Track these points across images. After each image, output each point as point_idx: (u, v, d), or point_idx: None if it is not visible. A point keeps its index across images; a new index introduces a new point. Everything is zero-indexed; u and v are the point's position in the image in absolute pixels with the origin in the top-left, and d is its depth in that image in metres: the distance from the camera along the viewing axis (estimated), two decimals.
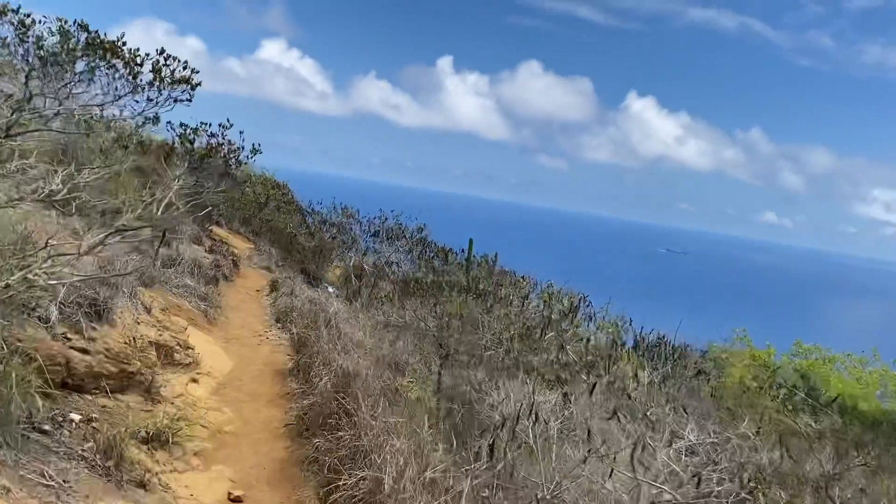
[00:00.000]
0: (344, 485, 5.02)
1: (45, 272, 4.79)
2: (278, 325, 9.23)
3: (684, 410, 6.36)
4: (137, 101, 12.20)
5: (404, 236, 15.54)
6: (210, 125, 17.51)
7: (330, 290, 16.74)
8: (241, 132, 18.84)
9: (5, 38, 11.44)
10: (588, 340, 8.98)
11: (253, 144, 18.57)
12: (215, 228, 23.26)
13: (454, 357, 7.73)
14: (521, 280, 13.21)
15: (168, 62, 12.25)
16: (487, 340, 8.20)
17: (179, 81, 12.46)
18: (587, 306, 11.72)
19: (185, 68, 12.49)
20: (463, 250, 16.49)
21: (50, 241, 5.10)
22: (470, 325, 8.40)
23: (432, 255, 15.10)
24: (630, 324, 11.75)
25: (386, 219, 16.12)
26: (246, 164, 20.12)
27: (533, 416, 5.41)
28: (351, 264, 15.80)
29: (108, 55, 11.59)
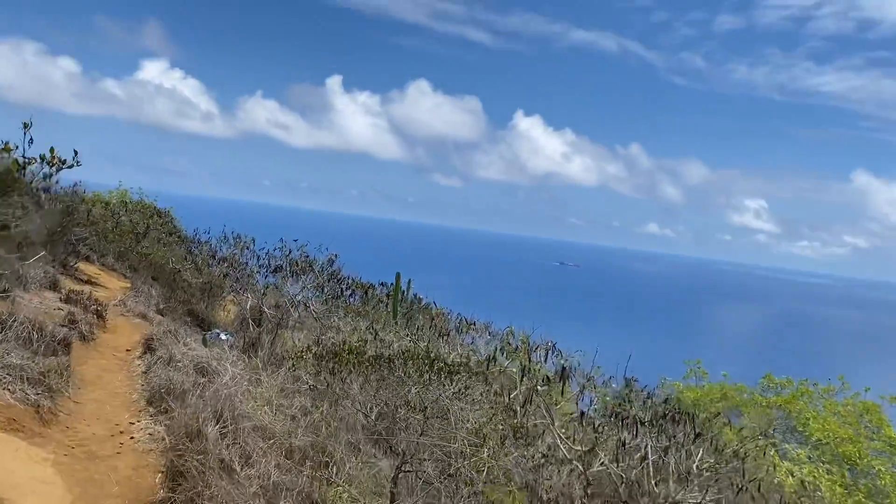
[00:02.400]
0: None
1: None
2: (151, 409, 6.68)
3: None
4: None
5: (312, 270, 13.13)
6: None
7: (223, 337, 14.05)
8: (75, 151, 16.22)
9: None
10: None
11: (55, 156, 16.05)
12: (84, 266, 19.86)
13: (413, 465, 5.53)
14: (470, 325, 11.10)
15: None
16: (460, 442, 6.03)
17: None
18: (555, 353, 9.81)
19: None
20: (383, 284, 14.27)
21: None
22: (434, 416, 6.19)
23: (348, 291, 12.79)
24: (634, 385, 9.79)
25: (289, 250, 13.63)
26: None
27: None
28: (248, 306, 13.19)
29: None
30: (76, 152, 15.69)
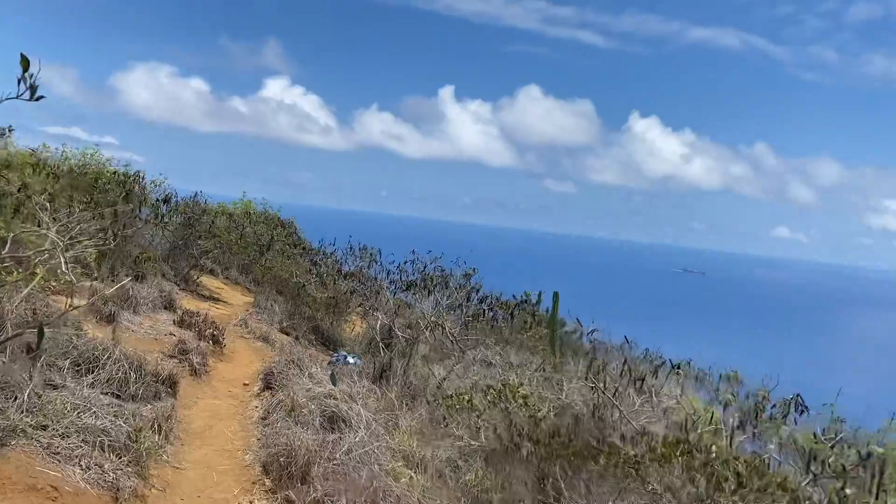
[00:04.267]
0: None
1: None
2: (267, 480, 5.04)
3: None
4: None
5: (447, 285, 11.38)
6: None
7: (350, 360, 12.55)
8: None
9: None
10: None
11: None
12: (207, 280, 19.17)
13: None
14: (676, 369, 8.71)
15: None
16: None
17: None
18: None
19: None
20: (526, 300, 12.26)
21: None
22: None
23: (491, 311, 10.93)
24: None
25: (424, 265, 11.95)
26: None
27: None
28: (377, 326, 11.60)
29: None
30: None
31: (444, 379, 9.07)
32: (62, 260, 5.84)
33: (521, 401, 6.51)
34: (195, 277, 17.75)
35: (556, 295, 11.22)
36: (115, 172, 14.59)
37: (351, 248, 16.30)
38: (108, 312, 8.34)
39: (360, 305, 15.83)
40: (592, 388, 6.77)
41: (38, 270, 6.16)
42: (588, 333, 10.48)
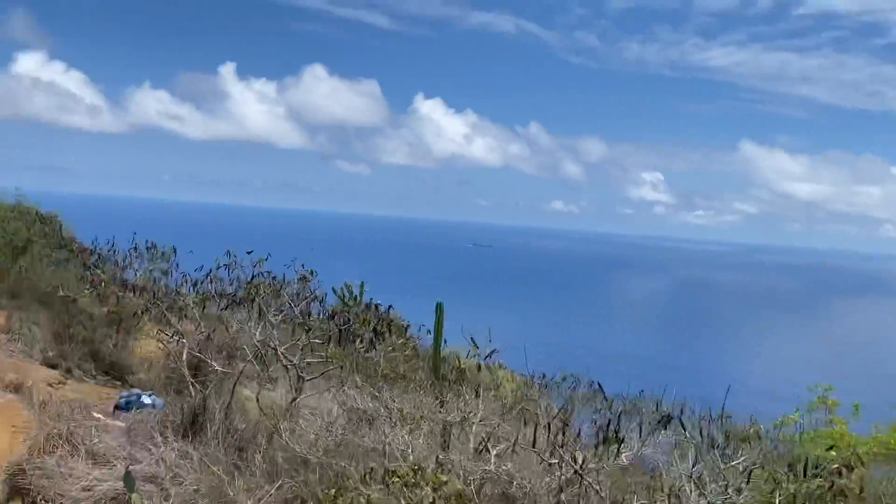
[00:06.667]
0: None
1: None
2: None
3: None
4: None
5: (278, 295, 9.00)
6: None
7: (146, 401, 9.72)
8: None
9: None
10: None
11: None
12: None
13: None
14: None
15: None
16: None
17: None
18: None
19: None
20: (352, 296, 10.14)
21: None
22: None
23: (347, 328, 8.72)
24: None
25: (236, 265, 9.41)
26: None
27: None
28: (182, 355, 8.93)
29: None
30: None
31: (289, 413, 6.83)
32: None
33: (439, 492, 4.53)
34: None
35: (439, 307, 9.28)
36: None
37: (136, 247, 13.07)
38: None
39: (156, 322, 12.80)
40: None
41: None
42: (486, 357, 8.63)
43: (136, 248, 12.98)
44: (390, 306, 13.92)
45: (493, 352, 8.64)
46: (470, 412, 6.02)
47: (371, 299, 15.53)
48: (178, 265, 13.07)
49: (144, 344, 13.86)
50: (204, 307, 9.66)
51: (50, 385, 9.60)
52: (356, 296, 16.00)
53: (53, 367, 11.13)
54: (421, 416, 6.05)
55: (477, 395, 6.33)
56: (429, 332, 11.70)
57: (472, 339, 8.13)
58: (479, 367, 8.59)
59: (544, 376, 11.30)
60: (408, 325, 12.95)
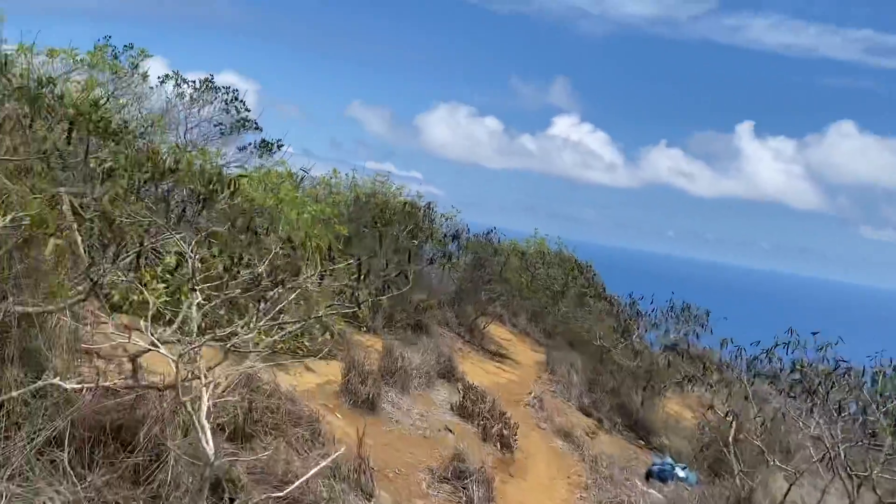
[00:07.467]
0: None
1: None
2: None
3: None
4: None
5: (848, 388, 7.31)
6: None
7: (680, 474, 8.99)
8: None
9: None
10: None
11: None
12: (495, 328, 16.88)
13: None
14: None
15: None
16: None
17: None
18: None
19: None
20: None
21: None
22: None
23: None
24: None
25: (798, 345, 8.00)
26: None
27: None
28: (730, 435, 7.92)
29: None
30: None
31: None
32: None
33: None
34: (482, 326, 15.54)
35: None
36: (404, 203, 12.93)
37: (672, 307, 12.73)
38: (365, 395, 6.00)
39: (677, 384, 12.19)
40: None
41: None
42: None
43: (672, 307, 12.65)
44: None
45: None
46: None
47: None
48: (711, 330, 12.37)
49: (667, 403, 13.38)
50: (752, 384, 8.51)
51: (586, 434, 9.65)
52: None
53: (588, 414, 11.36)
54: None
55: None
56: None
57: None
58: None
59: None
60: None
